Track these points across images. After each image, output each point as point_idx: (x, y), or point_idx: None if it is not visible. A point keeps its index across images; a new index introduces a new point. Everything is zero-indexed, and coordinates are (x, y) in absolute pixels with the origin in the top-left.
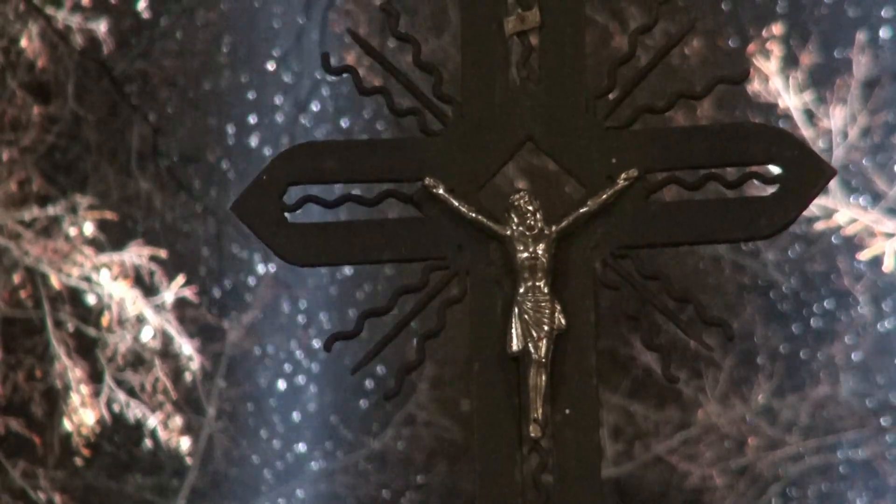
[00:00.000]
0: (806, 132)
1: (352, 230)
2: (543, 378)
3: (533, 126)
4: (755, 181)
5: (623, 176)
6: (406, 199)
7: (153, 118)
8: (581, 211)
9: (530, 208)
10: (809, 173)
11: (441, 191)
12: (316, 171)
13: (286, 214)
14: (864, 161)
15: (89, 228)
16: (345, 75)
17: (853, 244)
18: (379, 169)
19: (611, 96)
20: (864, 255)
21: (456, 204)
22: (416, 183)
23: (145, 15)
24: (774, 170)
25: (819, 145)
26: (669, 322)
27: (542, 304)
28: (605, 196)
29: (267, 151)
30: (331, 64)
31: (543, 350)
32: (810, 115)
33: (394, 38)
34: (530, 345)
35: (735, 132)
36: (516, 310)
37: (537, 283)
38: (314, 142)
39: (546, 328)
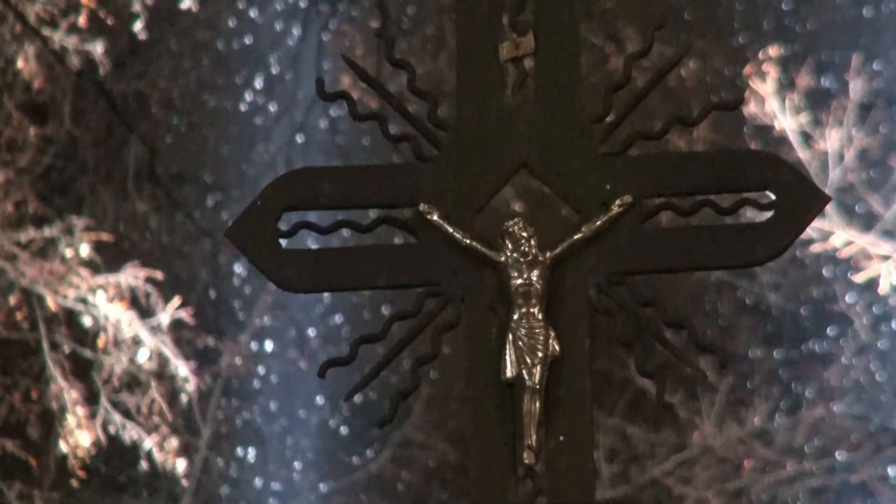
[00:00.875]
0: (802, 154)
1: (347, 256)
2: (537, 405)
3: (527, 152)
4: (750, 207)
5: (617, 202)
6: (401, 225)
7: (149, 139)
8: (575, 237)
9: (524, 234)
10: (804, 199)
11: (436, 217)
12: (311, 196)
13: (281, 240)
14: (859, 183)
15: (85, 250)
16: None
17: (849, 266)
18: (374, 195)
19: (609, 118)
20: (859, 278)
21: (450, 230)
22: (411, 208)
23: (142, 36)
24: (769, 196)
25: (815, 167)
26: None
27: (537, 330)
28: (599, 222)
29: (262, 172)
30: (325, 89)
31: (538, 377)
32: (806, 137)
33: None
34: (524, 371)
35: (729, 158)
36: (510, 336)
37: (531, 310)
38: (309, 167)
39: (540, 354)
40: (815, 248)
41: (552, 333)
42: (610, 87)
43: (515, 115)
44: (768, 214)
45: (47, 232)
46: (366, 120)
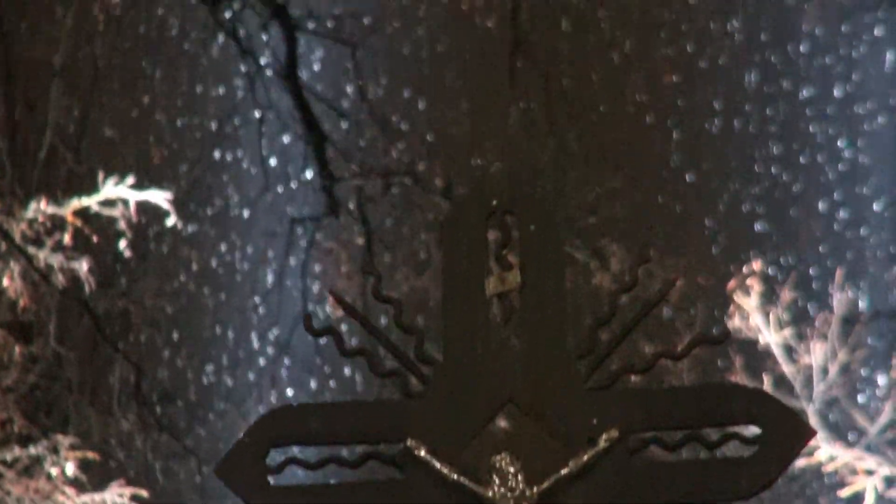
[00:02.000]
0: (787, 368)
1: (335, 493)
2: None
3: (514, 387)
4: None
5: (604, 437)
6: (388, 461)
7: (135, 358)
8: (562, 473)
9: (511, 469)
10: (789, 434)
11: (423, 452)
12: (298, 432)
13: (269, 477)
14: (844, 398)
15: (70, 468)
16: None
17: (835, 481)
18: (361, 431)
19: (595, 353)
20: (845, 493)
21: (438, 466)
22: (399, 444)
23: (127, 254)
24: (755, 429)
25: (800, 381)
26: None
27: None
28: (586, 457)
29: (248, 392)
30: (313, 325)
31: None
32: (791, 352)
33: (375, 300)
34: None
35: (716, 393)
36: None
37: None
38: (295, 404)
39: None
40: (800, 462)
41: None
42: (595, 322)
43: (502, 349)
44: (754, 448)
45: (32, 450)
46: (354, 356)
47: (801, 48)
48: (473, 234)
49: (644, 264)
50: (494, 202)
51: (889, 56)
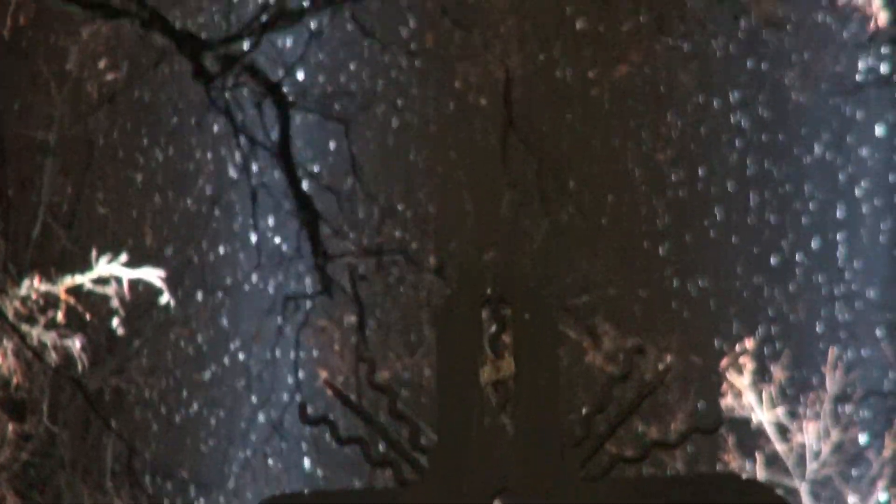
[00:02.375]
0: (779, 446)
1: None
2: None
3: (507, 475)
4: None
5: None
6: None
7: (127, 435)
8: None
9: None
10: None
11: None
12: None
13: None
14: (836, 476)
15: None
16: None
17: None
18: None
19: (589, 442)
20: None
21: None
22: None
23: (120, 332)
24: None
25: (792, 460)
26: None
27: None
28: None
29: (240, 469)
30: (307, 414)
31: None
32: (783, 430)
33: (370, 390)
34: None
35: (709, 482)
36: None
37: None
38: (290, 493)
39: None
40: None
41: None
42: (590, 411)
43: (496, 438)
44: None
45: None
46: (348, 444)
47: (801, 130)
48: (468, 322)
49: (639, 354)
50: (489, 290)
51: (879, 130)
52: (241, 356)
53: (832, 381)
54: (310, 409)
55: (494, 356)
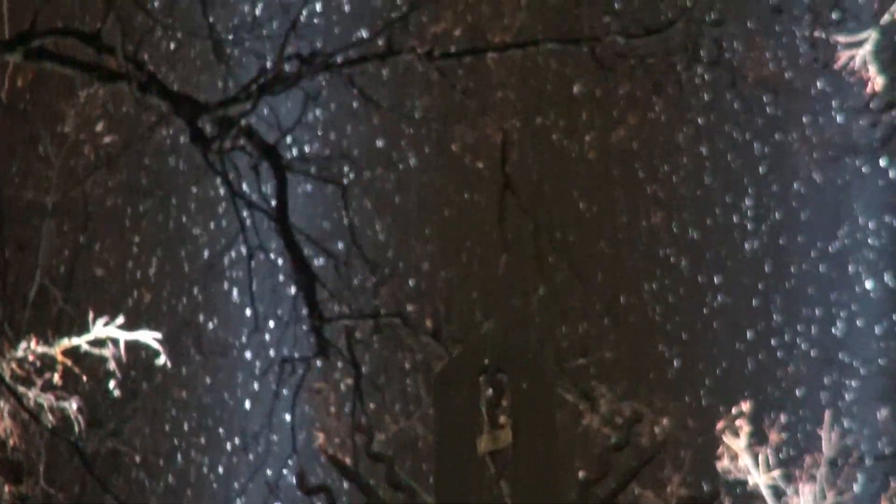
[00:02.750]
0: None
1: None
2: None
3: None
4: None
5: None
6: None
7: (124, 498)
8: None
9: None
10: None
11: None
12: None
13: None
14: None
15: None
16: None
17: None
18: None
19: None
20: None
21: None
22: None
23: (116, 393)
24: None
25: None
26: None
27: None
28: None
29: None
30: (306, 483)
31: None
32: (779, 493)
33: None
34: None
35: None
36: None
37: None
38: None
39: None
40: None
41: None
42: (586, 483)
43: None
44: None
45: None
46: None
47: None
48: (466, 392)
49: (637, 423)
50: (486, 360)
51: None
52: (236, 418)
53: (828, 444)
54: (309, 477)
55: (492, 426)
